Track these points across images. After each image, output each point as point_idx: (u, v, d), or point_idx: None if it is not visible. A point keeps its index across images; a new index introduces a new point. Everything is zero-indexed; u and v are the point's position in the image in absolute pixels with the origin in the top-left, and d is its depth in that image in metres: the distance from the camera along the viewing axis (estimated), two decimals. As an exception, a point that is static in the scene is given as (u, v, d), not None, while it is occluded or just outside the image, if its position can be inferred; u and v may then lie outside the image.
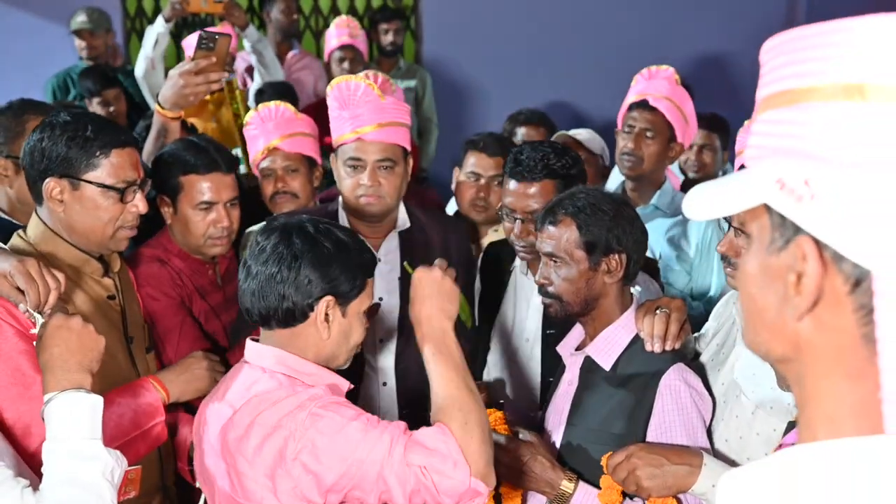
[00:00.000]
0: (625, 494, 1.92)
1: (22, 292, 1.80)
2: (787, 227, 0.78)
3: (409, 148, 2.51)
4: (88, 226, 2.06)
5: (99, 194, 2.03)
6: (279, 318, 1.75)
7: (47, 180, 2.02)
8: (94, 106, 4.68)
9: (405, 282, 2.54)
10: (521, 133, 3.87)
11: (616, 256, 2.04)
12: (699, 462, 1.83)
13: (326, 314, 1.75)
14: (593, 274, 2.04)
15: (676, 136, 2.99)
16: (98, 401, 1.66)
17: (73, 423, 1.62)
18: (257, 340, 1.82)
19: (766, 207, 0.80)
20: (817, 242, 0.76)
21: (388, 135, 2.42)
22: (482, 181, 2.99)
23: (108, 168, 2.03)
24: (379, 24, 5.63)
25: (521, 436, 2.04)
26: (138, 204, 2.09)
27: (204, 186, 2.45)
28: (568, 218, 2.03)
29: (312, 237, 1.75)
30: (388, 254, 2.58)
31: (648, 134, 2.99)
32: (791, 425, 1.57)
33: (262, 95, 4.14)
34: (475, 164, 3.00)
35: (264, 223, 1.87)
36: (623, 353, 2.05)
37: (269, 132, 2.91)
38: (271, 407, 1.67)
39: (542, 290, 2.09)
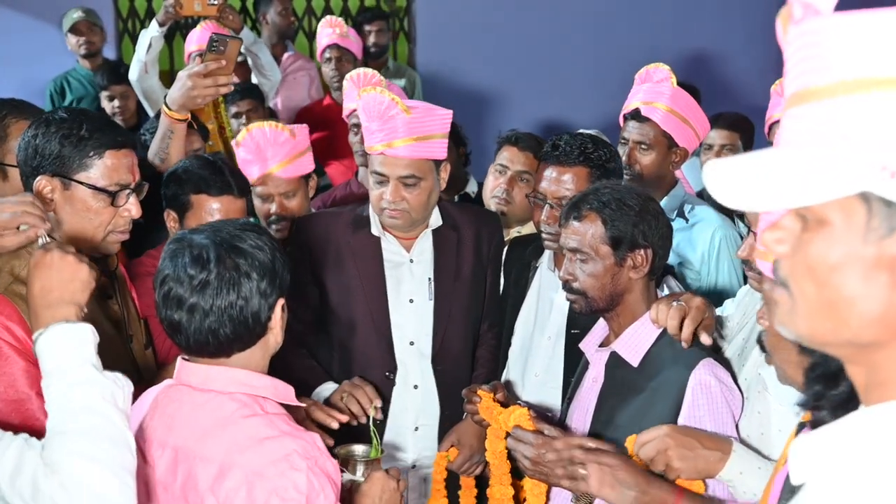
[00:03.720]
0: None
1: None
2: (893, 214, 0.78)
3: (442, 157, 2.46)
4: (78, 227, 2.00)
5: (90, 196, 1.97)
6: (243, 341, 1.69)
7: (38, 178, 1.96)
8: (103, 100, 4.78)
9: (437, 281, 2.54)
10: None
11: (642, 252, 2.04)
12: (729, 449, 1.84)
13: (280, 318, 1.73)
14: (619, 269, 2.04)
15: (677, 142, 2.90)
16: (85, 329, 1.60)
17: (60, 356, 1.57)
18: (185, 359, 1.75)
19: (862, 195, 0.79)
20: None
21: (412, 150, 2.38)
22: (508, 174, 2.99)
23: (101, 169, 1.97)
24: (363, 26, 5.56)
25: (546, 432, 2.03)
26: (131, 208, 2.02)
27: (213, 208, 2.43)
28: (593, 213, 2.03)
29: (245, 250, 1.68)
30: (422, 253, 2.57)
31: (642, 147, 2.88)
32: (801, 426, 1.53)
33: (225, 97, 4.08)
34: (506, 157, 3.02)
35: (180, 255, 1.69)
36: (650, 349, 2.05)
37: (264, 160, 2.80)
38: (255, 448, 1.60)
39: (567, 286, 2.08)
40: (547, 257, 2.60)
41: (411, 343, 2.54)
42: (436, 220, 2.56)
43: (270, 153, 2.81)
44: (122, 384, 1.59)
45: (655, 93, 2.87)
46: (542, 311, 2.57)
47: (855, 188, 0.79)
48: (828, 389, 1.22)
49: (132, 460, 1.55)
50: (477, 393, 2.20)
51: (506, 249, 2.77)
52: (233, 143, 3.02)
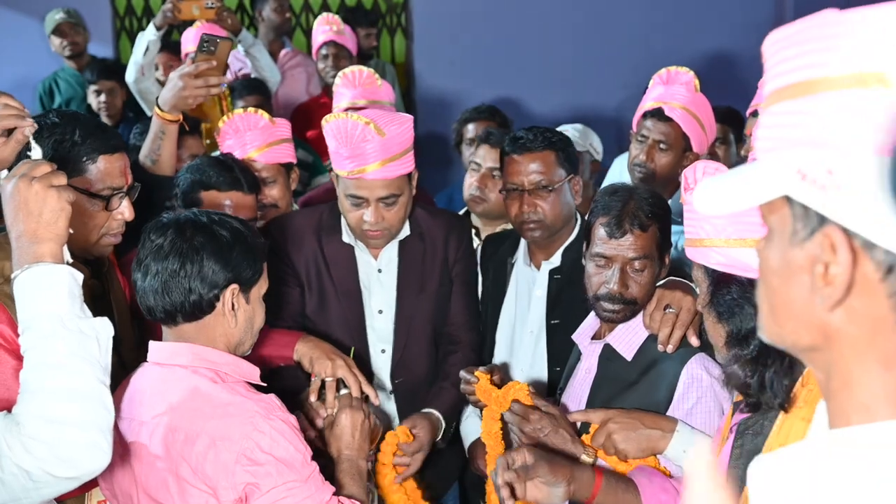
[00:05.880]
0: None
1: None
2: (810, 217, 0.78)
3: (412, 168, 2.42)
4: (71, 230, 2.00)
5: (84, 200, 1.95)
6: (186, 312, 1.77)
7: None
8: (90, 95, 4.81)
9: (400, 293, 2.53)
10: (471, 129, 3.87)
11: (669, 251, 2.09)
12: (672, 427, 1.91)
13: (233, 303, 1.79)
14: (659, 273, 2.08)
15: (692, 145, 2.88)
16: (57, 272, 1.53)
17: (29, 305, 1.52)
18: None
19: (787, 199, 0.80)
20: (846, 232, 0.75)
21: (390, 170, 2.33)
22: (481, 171, 3.01)
23: (94, 174, 1.97)
24: (356, 28, 5.55)
25: (542, 408, 2.06)
26: (124, 211, 2.01)
27: (223, 203, 2.44)
28: (652, 222, 2.04)
29: (209, 228, 1.78)
30: (389, 263, 2.54)
31: (662, 146, 2.87)
32: (735, 406, 1.64)
33: (233, 92, 4.10)
34: (479, 155, 3.05)
35: (155, 221, 1.83)
36: (644, 344, 2.08)
37: (244, 144, 2.80)
38: (219, 414, 1.69)
39: (618, 297, 2.05)
40: (522, 252, 2.61)
41: (383, 351, 2.54)
42: (404, 230, 2.53)
43: (249, 137, 2.80)
44: (94, 333, 1.54)
45: (679, 94, 2.87)
46: (522, 305, 2.58)
47: (778, 192, 0.80)
48: (741, 350, 1.50)
49: (106, 416, 1.52)
50: (474, 374, 2.21)
51: (481, 248, 2.77)
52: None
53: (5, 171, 1.72)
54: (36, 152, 1.70)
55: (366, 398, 2.15)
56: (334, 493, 1.80)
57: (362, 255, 2.53)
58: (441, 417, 2.42)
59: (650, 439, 1.91)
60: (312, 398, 2.15)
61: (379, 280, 2.53)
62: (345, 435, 2.02)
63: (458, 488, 2.85)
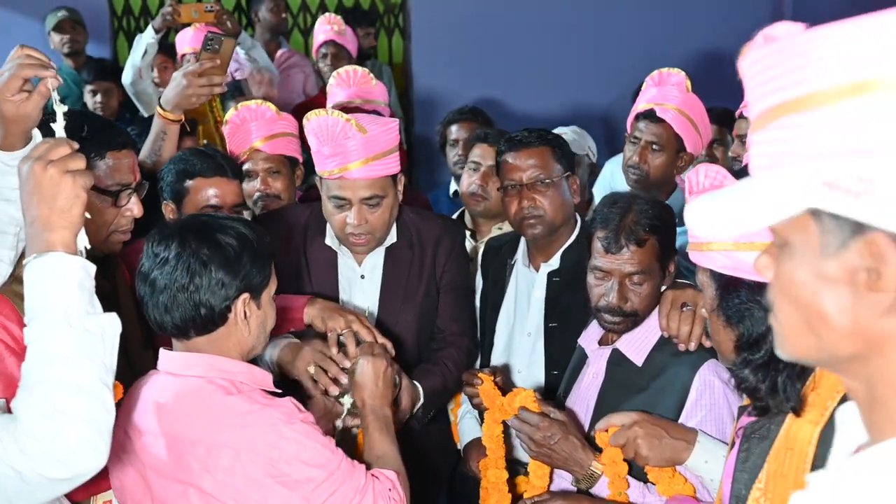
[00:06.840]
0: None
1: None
2: (842, 227, 0.78)
3: (398, 170, 2.38)
4: None
5: (93, 196, 1.88)
6: (198, 327, 1.73)
7: None
8: (86, 94, 4.81)
9: (383, 302, 2.49)
10: (454, 130, 3.82)
11: (674, 259, 2.08)
12: (694, 438, 1.90)
13: (245, 311, 1.75)
14: (662, 282, 2.07)
15: (686, 146, 2.88)
16: (67, 263, 1.44)
17: (36, 295, 1.46)
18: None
19: (811, 213, 0.80)
20: (890, 235, 0.76)
21: (372, 170, 2.29)
22: (482, 169, 3.02)
23: (102, 170, 1.96)
24: (354, 29, 5.53)
25: (551, 415, 2.05)
26: (133, 208, 2.01)
27: (209, 191, 2.44)
28: (651, 236, 2.03)
29: (214, 238, 1.72)
30: (373, 270, 2.49)
31: (654, 147, 2.87)
32: (741, 410, 1.63)
33: (224, 94, 4.09)
34: (477, 154, 3.05)
35: (156, 231, 1.78)
36: (654, 349, 2.07)
37: (249, 133, 2.80)
38: (240, 424, 1.66)
39: (618, 310, 2.05)
40: (521, 253, 2.60)
41: None
42: (391, 236, 2.48)
43: (255, 127, 2.80)
44: (100, 332, 1.48)
45: (670, 95, 2.88)
46: (521, 307, 2.57)
47: (803, 206, 0.80)
48: (751, 354, 1.50)
49: (106, 416, 1.45)
50: (478, 376, 2.19)
51: (481, 252, 2.76)
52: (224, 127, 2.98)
53: (37, 131, 1.68)
54: (60, 108, 1.66)
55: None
56: (367, 469, 1.79)
57: (345, 259, 2.49)
58: (422, 393, 2.34)
59: (674, 450, 1.89)
60: (333, 351, 2.16)
61: (361, 287, 2.49)
62: (368, 383, 2.02)
63: (446, 492, 2.85)
